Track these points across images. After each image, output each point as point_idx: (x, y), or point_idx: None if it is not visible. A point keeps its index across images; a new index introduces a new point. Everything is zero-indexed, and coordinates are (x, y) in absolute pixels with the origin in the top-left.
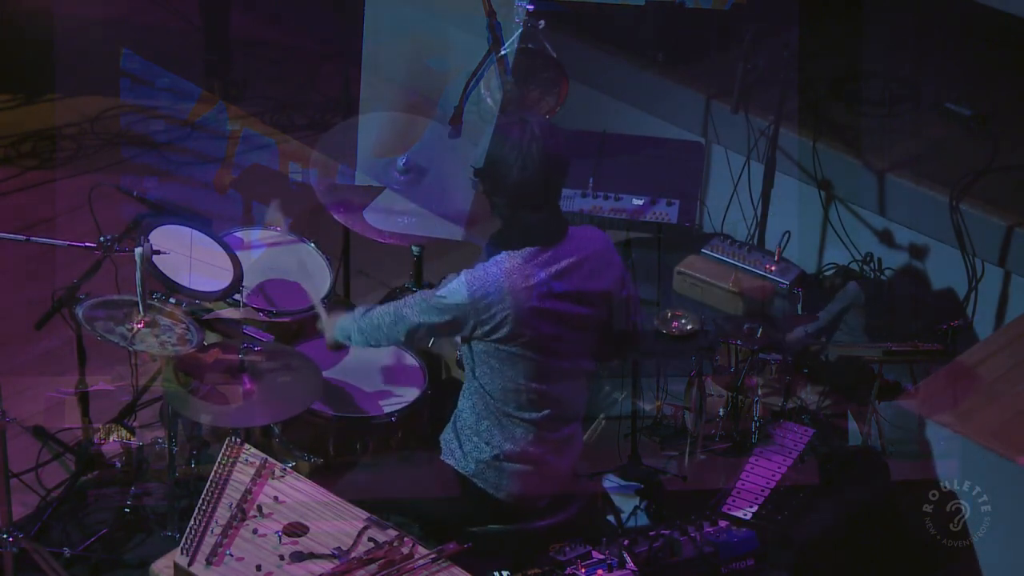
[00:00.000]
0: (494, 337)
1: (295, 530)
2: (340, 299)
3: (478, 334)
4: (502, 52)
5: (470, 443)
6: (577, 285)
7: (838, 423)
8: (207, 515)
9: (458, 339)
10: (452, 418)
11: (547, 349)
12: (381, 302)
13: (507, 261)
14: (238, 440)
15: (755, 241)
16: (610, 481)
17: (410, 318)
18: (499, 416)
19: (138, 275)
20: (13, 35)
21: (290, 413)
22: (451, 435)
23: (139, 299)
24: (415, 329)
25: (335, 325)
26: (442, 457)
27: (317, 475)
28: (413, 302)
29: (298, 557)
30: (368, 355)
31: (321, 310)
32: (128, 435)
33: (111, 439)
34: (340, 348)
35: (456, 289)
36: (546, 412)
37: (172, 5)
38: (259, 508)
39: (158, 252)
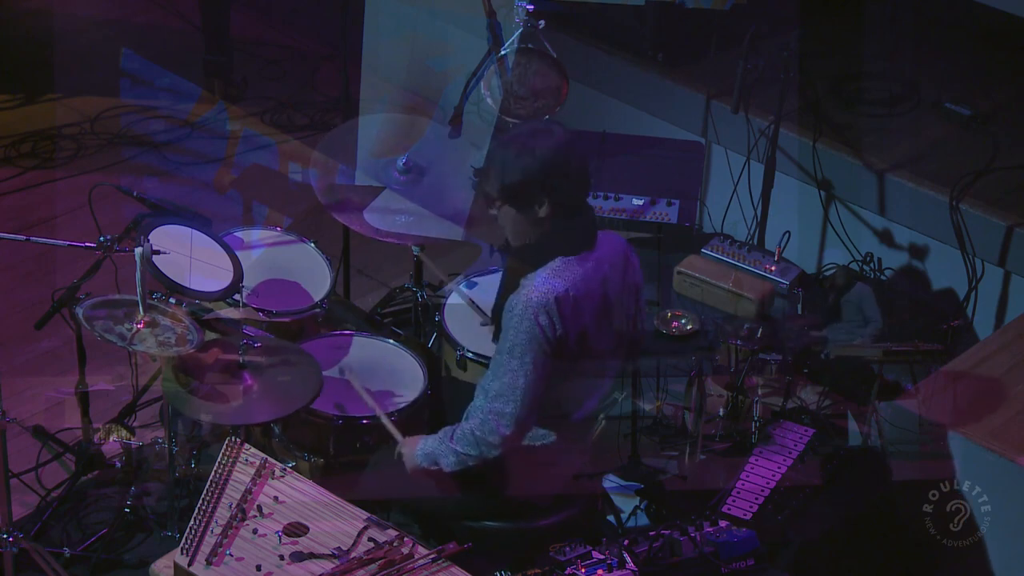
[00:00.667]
0: (563, 341)
1: (295, 530)
2: (340, 299)
3: (553, 346)
4: (502, 52)
5: None
6: (621, 283)
7: (838, 423)
8: (207, 515)
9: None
10: (465, 415)
11: (586, 353)
12: (381, 302)
13: (566, 267)
14: (238, 440)
15: (755, 241)
16: (610, 481)
17: (504, 405)
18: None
19: (138, 275)
20: (13, 35)
21: (291, 409)
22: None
23: (139, 299)
24: (522, 404)
25: (416, 454)
26: None
27: (317, 475)
28: (489, 396)
29: (298, 557)
30: (368, 355)
31: (392, 430)
32: (128, 435)
33: (111, 439)
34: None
35: (518, 314)
36: (565, 414)
37: (172, 5)
38: (259, 508)
39: (158, 252)
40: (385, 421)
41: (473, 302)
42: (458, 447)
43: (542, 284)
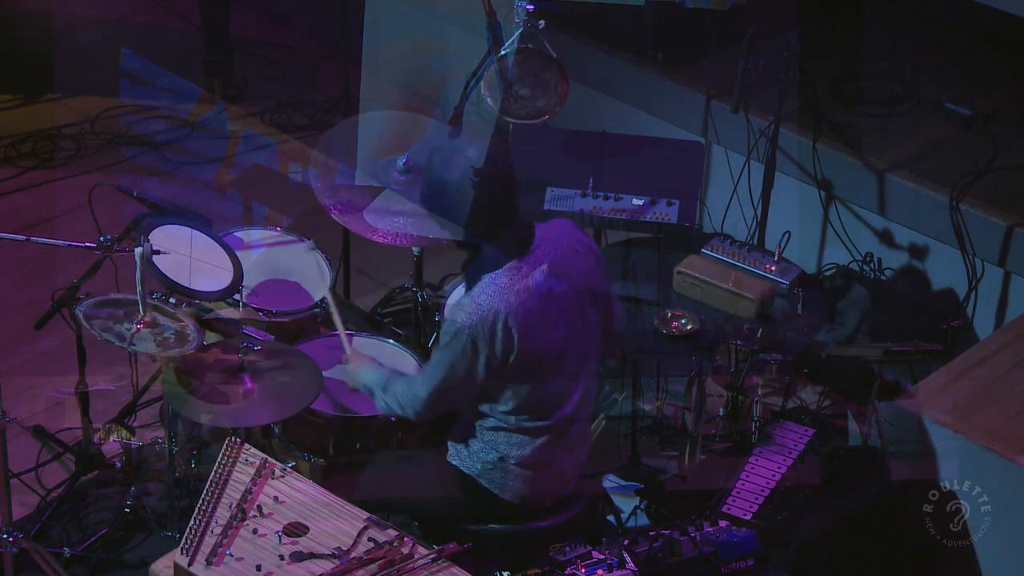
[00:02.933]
0: (509, 360)
1: (295, 530)
2: (340, 299)
3: (493, 365)
4: (502, 52)
5: (476, 444)
6: (571, 276)
7: (838, 423)
8: (207, 515)
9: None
10: (459, 419)
11: (557, 353)
12: (381, 302)
13: (492, 283)
14: (238, 440)
15: (755, 241)
16: (610, 481)
17: (421, 389)
18: (509, 427)
19: (138, 275)
20: (13, 35)
21: (291, 411)
22: (457, 435)
23: (139, 299)
24: (432, 397)
25: (358, 373)
26: (448, 458)
27: (317, 475)
28: (420, 375)
29: (298, 557)
30: (368, 355)
31: (346, 344)
32: (128, 435)
33: (111, 439)
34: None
35: (452, 331)
36: (557, 416)
37: (172, 5)
38: (259, 508)
39: (158, 252)
40: (341, 334)
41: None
42: (387, 398)
43: (471, 308)
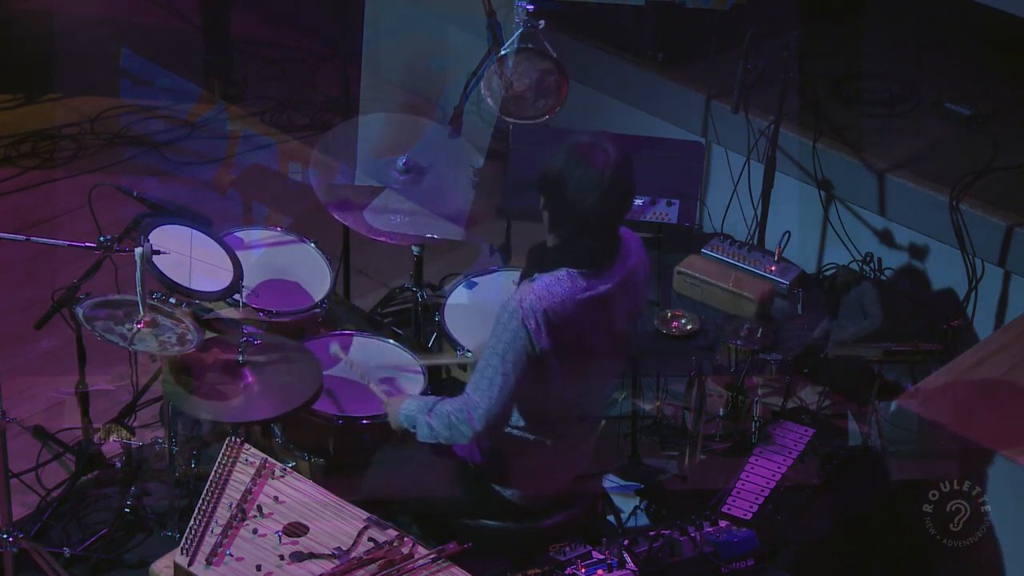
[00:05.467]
0: (546, 358)
1: (295, 530)
2: (340, 299)
3: (533, 357)
4: (502, 52)
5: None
6: (629, 296)
7: (838, 423)
8: (207, 515)
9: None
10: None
11: (587, 363)
12: (381, 302)
13: (569, 279)
14: (238, 440)
15: (755, 241)
16: (610, 481)
17: (476, 393)
18: (518, 428)
19: (138, 275)
20: (13, 35)
21: (291, 407)
22: None
23: (139, 299)
24: (492, 395)
25: (399, 413)
26: (453, 447)
27: (317, 475)
28: (472, 383)
29: (298, 557)
30: (368, 355)
31: (379, 392)
32: (128, 435)
33: (111, 439)
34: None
35: (514, 315)
36: (570, 418)
37: (172, 5)
38: (259, 508)
39: (158, 252)
40: (375, 389)
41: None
42: (433, 422)
43: (539, 290)
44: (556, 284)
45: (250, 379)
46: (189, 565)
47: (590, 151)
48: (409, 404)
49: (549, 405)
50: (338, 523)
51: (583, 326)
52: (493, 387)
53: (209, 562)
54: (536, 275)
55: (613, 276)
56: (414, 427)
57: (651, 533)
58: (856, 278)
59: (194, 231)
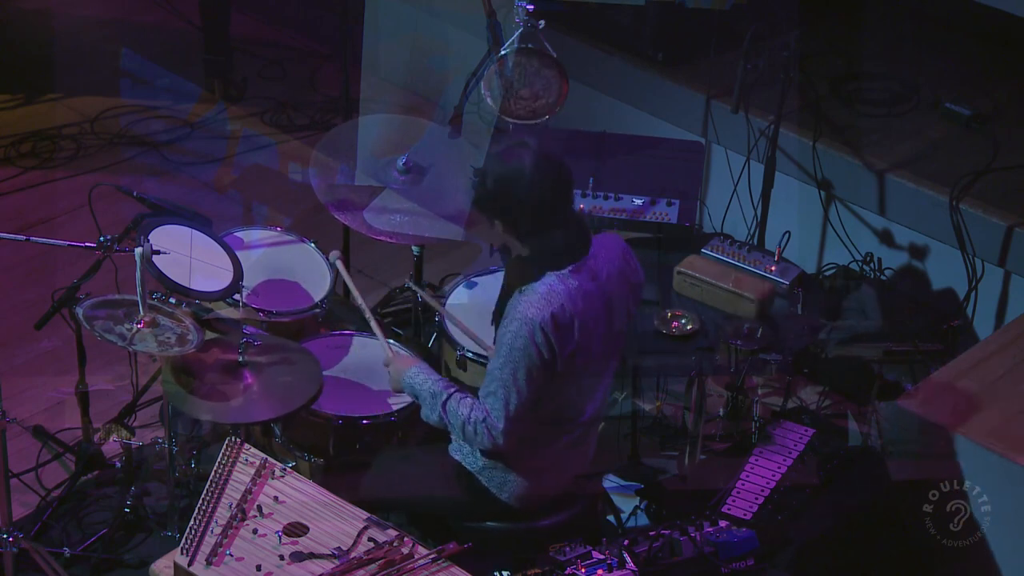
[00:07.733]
0: (560, 359)
1: (295, 530)
2: (340, 299)
3: (545, 361)
4: (502, 52)
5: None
6: (620, 287)
7: (838, 423)
8: (207, 515)
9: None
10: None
11: (585, 364)
12: (381, 302)
13: (560, 282)
14: (238, 440)
15: (755, 241)
16: (610, 481)
17: (491, 401)
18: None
19: (138, 275)
20: (13, 35)
21: (291, 408)
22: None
23: (139, 299)
24: (510, 408)
25: (403, 377)
26: (449, 451)
27: (317, 475)
28: (492, 397)
29: (298, 557)
30: (368, 354)
31: (386, 348)
32: (128, 435)
33: (111, 439)
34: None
35: (518, 329)
36: (566, 426)
37: (172, 5)
38: (259, 508)
39: (158, 252)
40: (375, 328)
41: None
42: (448, 418)
43: (538, 300)
44: (550, 290)
45: (250, 379)
46: (189, 565)
47: (508, 153)
48: (416, 377)
49: (552, 406)
50: (338, 523)
51: (585, 322)
52: (510, 405)
53: (209, 562)
54: (526, 287)
55: (599, 270)
56: (415, 398)
57: (651, 533)
58: (856, 278)
59: (194, 231)
